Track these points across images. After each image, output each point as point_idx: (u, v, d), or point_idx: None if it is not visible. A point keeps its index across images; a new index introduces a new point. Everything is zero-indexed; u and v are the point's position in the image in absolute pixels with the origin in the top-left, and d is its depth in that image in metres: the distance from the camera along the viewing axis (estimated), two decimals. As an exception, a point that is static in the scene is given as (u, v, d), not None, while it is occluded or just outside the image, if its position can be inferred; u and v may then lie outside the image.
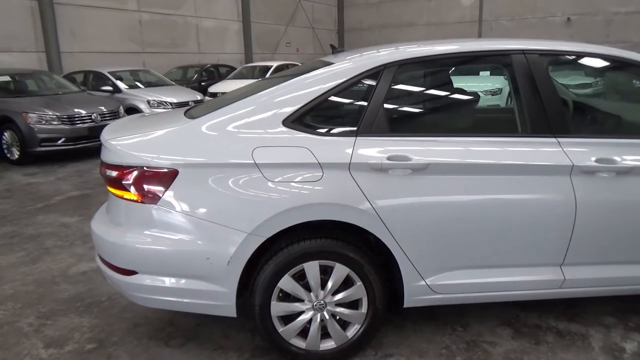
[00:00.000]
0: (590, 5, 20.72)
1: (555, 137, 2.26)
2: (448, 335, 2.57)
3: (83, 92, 9.35)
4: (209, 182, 2.11)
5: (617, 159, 2.25)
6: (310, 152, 2.14)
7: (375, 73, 2.28)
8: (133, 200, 2.16)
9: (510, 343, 2.49)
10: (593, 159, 2.24)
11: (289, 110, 2.21)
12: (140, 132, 2.25)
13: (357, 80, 2.28)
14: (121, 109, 8.65)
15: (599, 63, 2.60)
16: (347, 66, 2.30)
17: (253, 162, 2.11)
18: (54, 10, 12.63)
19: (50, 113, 7.55)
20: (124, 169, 2.15)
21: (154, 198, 2.12)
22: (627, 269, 2.38)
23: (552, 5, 21.48)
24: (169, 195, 2.12)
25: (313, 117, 2.25)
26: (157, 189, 2.12)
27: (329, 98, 2.25)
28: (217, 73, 15.18)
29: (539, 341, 2.49)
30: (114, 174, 2.18)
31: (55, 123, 7.54)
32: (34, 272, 3.55)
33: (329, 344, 2.32)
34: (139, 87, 10.77)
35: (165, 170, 2.11)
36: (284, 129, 2.18)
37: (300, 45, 23.31)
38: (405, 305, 2.34)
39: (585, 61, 2.55)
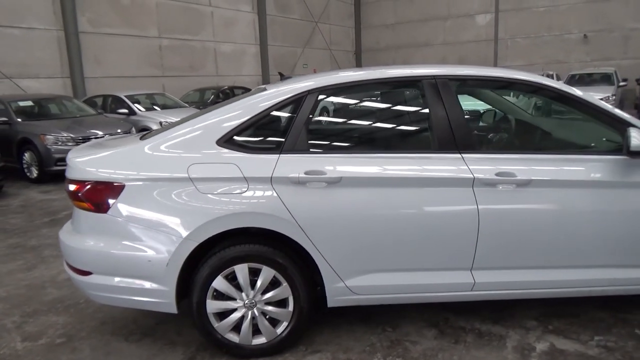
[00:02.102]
0: (606, 22, 20.63)
1: (460, 153, 2.52)
2: (377, 334, 2.81)
3: (100, 114, 9.98)
4: (150, 194, 2.45)
5: (517, 172, 2.48)
6: (238, 167, 2.46)
7: (299, 99, 2.60)
8: (88, 210, 2.52)
9: (431, 342, 2.70)
10: (494, 172, 2.48)
11: (221, 131, 2.54)
12: (96, 152, 2.61)
13: (282, 104, 2.60)
14: (133, 130, 9.19)
15: (506, 86, 2.84)
16: (274, 93, 2.63)
17: (188, 176, 2.44)
18: (79, 38, 13.49)
19: (66, 135, 8.13)
20: (81, 183, 2.51)
21: (105, 208, 2.47)
22: (532, 274, 2.59)
23: (569, 23, 21.48)
24: (117, 206, 2.46)
25: (243, 137, 2.57)
26: (107, 200, 2.47)
27: (258, 121, 2.58)
28: (232, 94, 15.77)
29: (458, 341, 2.70)
30: (73, 187, 2.54)
31: (70, 144, 8.10)
32: (27, 278, 3.95)
33: (260, 340, 2.60)
34: (154, 110, 11.36)
35: (114, 184, 2.46)
36: (217, 148, 2.51)
37: (318, 66, 23.88)
38: (329, 305, 2.61)
39: (493, 84, 2.80)
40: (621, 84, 15.03)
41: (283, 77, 3.64)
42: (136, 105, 11.09)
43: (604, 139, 2.69)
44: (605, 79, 14.94)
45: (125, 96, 11.15)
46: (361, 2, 26.53)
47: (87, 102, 11.20)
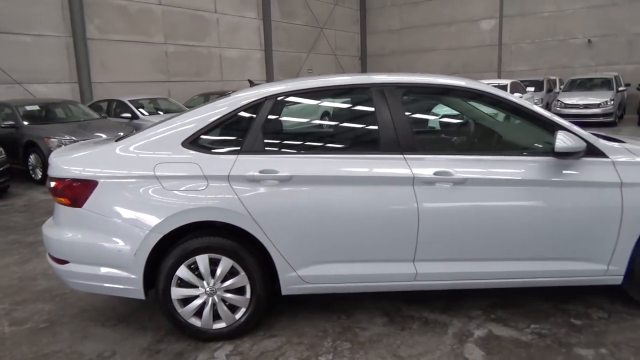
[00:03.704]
0: (611, 27, 20.63)
1: (402, 154, 2.75)
2: (332, 322, 3.03)
3: (104, 118, 10.34)
4: (121, 190, 2.72)
5: (453, 171, 2.70)
6: (199, 166, 2.71)
7: (257, 104, 2.85)
8: (66, 205, 2.79)
9: (379, 328, 2.92)
10: (432, 171, 2.70)
11: (186, 134, 2.80)
12: (74, 153, 2.88)
13: (243, 109, 2.85)
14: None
15: (449, 92, 3.06)
16: (235, 98, 2.88)
17: (154, 174, 2.70)
18: (86, 45, 13.92)
19: (68, 138, 8.47)
20: (59, 180, 2.79)
21: (80, 203, 2.74)
22: (470, 266, 2.80)
23: (573, 28, 21.51)
24: (91, 201, 2.73)
25: (205, 139, 2.82)
26: (82, 195, 2.73)
27: (220, 124, 2.83)
28: (235, 99, 16.09)
29: (404, 328, 2.92)
30: (53, 184, 2.82)
31: (73, 147, 8.43)
32: (21, 270, 4.25)
33: (221, 324, 2.84)
34: (157, 114, 11.71)
35: (88, 181, 2.73)
36: (181, 148, 2.77)
37: (323, 71, 24.16)
38: (283, 293, 2.85)
39: (437, 91, 3.03)
40: (621, 88, 15.09)
41: (252, 84, 3.85)
42: (140, 109, 11.45)
43: (540, 141, 2.89)
44: (605, 84, 15.01)
45: (129, 101, 11.52)
46: (367, 7, 26.80)
47: (92, 107, 11.60)
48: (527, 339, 2.73)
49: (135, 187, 2.71)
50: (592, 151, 2.76)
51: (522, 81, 16.07)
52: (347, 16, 25.73)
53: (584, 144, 2.69)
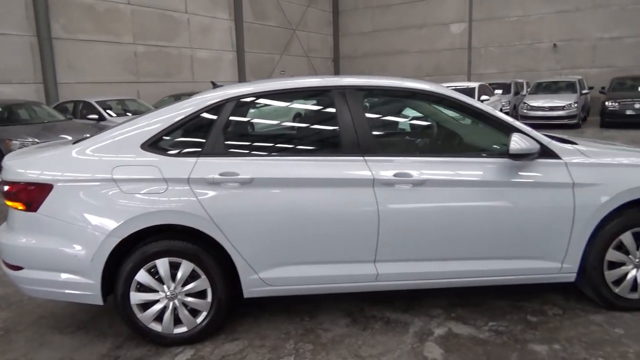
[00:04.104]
0: (575, 32, 21.26)
1: (363, 156, 2.77)
2: (295, 324, 3.04)
3: (69, 120, 10.09)
4: (77, 194, 2.66)
5: (412, 173, 2.74)
6: (159, 169, 2.68)
7: (219, 106, 2.83)
8: (20, 209, 2.71)
9: (342, 329, 2.94)
10: (391, 173, 2.74)
11: (146, 136, 2.77)
12: (29, 156, 2.81)
13: (204, 111, 2.83)
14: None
15: (408, 95, 3.11)
16: (196, 100, 2.86)
17: (111, 178, 2.66)
18: (52, 44, 13.55)
19: (31, 140, 8.24)
20: (13, 184, 2.71)
21: (35, 207, 2.67)
22: (430, 266, 2.84)
23: (539, 32, 22.07)
24: (46, 205, 2.66)
25: (165, 141, 2.80)
26: (36, 199, 2.67)
27: (180, 126, 2.81)
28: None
29: (366, 328, 2.95)
30: (6, 188, 2.74)
31: (36, 149, 8.20)
32: (-23, 277, 4.10)
33: (182, 329, 2.81)
34: (126, 116, 11.49)
35: (43, 185, 2.66)
36: (140, 151, 2.73)
37: (295, 73, 24.14)
38: (245, 296, 2.84)
39: (397, 94, 3.08)
40: (584, 91, 15.58)
41: (215, 86, 3.83)
42: (107, 111, 11.22)
43: (497, 143, 2.96)
44: (570, 87, 15.46)
45: (96, 102, 11.28)
46: (339, 9, 26.93)
47: (58, 108, 11.30)
48: (484, 336, 2.79)
49: (92, 190, 2.66)
50: (545, 153, 2.85)
51: (490, 84, 16.39)
52: (319, 18, 25.80)
53: (538, 145, 2.77)
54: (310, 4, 24.71)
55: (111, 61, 15.36)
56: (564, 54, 21.72)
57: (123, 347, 2.86)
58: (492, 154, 2.89)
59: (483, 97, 12.25)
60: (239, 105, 2.88)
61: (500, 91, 16.60)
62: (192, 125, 2.84)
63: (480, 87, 12.88)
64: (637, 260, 2.95)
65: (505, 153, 2.77)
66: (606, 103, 13.87)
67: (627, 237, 2.91)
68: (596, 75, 20.47)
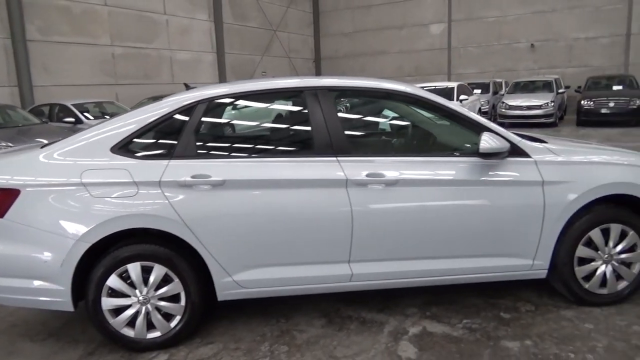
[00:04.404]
0: (552, 32, 21.62)
1: (336, 156, 2.78)
2: (270, 325, 3.03)
3: (45, 124, 9.91)
4: (45, 199, 2.61)
5: (385, 173, 2.76)
6: (129, 173, 2.65)
7: (190, 108, 2.81)
8: (-14, 215, 2.65)
9: (317, 330, 2.94)
10: (364, 173, 2.75)
11: (116, 139, 2.73)
12: (-5, 160, 2.75)
13: (174, 113, 2.80)
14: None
15: (380, 96, 3.13)
16: (167, 103, 2.83)
17: (80, 182, 2.62)
18: (26, 47, 13.30)
19: (5, 144, 8.06)
20: (-22, 189, 2.65)
21: (1, 213, 2.61)
22: (405, 265, 2.86)
23: (517, 33, 22.40)
24: (13, 210, 2.61)
25: (136, 144, 2.76)
26: (3, 205, 2.61)
27: (151, 129, 2.78)
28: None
29: (342, 328, 2.95)
30: (-28, 194, 2.67)
31: (10, 153, 8.04)
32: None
33: (155, 333, 2.78)
34: (104, 118, 11.33)
35: (10, 190, 2.61)
36: (110, 154, 2.70)
37: (277, 74, 24.08)
38: (219, 299, 2.82)
39: (370, 95, 3.09)
40: (560, 91, 15.86)
41: (187, 88, 3.83)
42: (85, 114, 11.04)
43: (469, 143, 2.99)
44: (547, 86, 15.71)
45: (73, 105, 11.09)
46: (320, 11, 26.95)
47: (33, 111, 11.08)
48: (458, 334, 2.82)
49: (61, 195, 2.61)
50: (516, 151, 2.89)
51: (469, 84, 16.58)
52: (300, 19, 25.79)
53: (508, 144, 2.81)
54: (291, 5, 24.69)
55: (88, 63, 15.14)
56: (541, 54, 22.08)
57: (95, 353, 2.81)
58: (464, 153, 2.92)
59: (462, 97, 12.37)
60: (211, 106, 2.86)
61: (479, 91, 16.82)
62: (164, 128, 2.81)
63: (459, 87, 13.01)
64: (606, 256, 3.01)
65: (476, 152, 2.80)
66: (582, 102, 14.13)
67: (596, 234, 2.97)
68: (573, 74, 20.85)
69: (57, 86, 14.13)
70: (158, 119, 2.78)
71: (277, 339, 2.87)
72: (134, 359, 2.73)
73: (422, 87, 13.23)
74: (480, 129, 2.88)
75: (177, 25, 18.28)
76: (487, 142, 2.72)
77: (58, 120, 10.88)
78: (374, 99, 3.19)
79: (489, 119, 15.91)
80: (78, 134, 2.82)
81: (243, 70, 21.95)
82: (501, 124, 14.88)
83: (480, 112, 14.86)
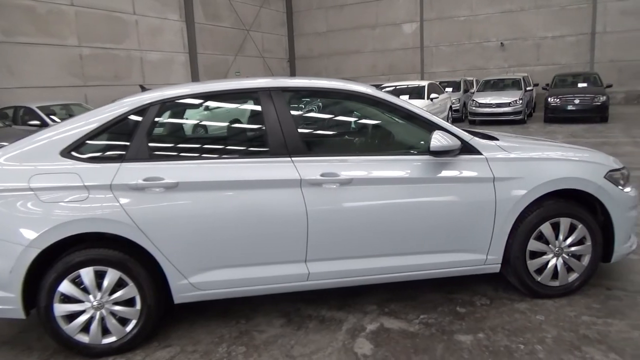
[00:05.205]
0: (521, 31, 22.08)
1: (290, 157, 2.79)
2: (230, 327, 3.02)
3: (8, 127, 9.67)
4: (-8, 204, 2.55)
5: (339, 172, 2.78)
6: (79, 176, 2.61)
7: (142, 110, 2.79)
8: None
9: (276, 330, 2.95)
10: (318, 173, 2.77)
11: (65, 143, 2.69)
12: (-60, 165, 2.68)
13: (126, 115, 2.78)
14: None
15: (333, 96, 3.16)
16: (118, 105, 2.80)
17: (28, 186, 2.57)
18: (-11, 48, 12.95)
19: (-35, 149, 7.83)
20: None
21: (-53, 219, 2.55)
22: (361, 263, 2.89)
23: (487, 32, 22.80)
24: (-41, 217, 2.54)
25: (87, 147, 2.72)
26: (-52, 211, 2.54)
27: (102, 132, 2.75)
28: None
29: (301, 327, 2.97)
30: None
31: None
32: None
33: (111, 339, 2.74)
34: (70, 121, 11.09)
35: (-45, 195, 2.54)
36: (60, 158, 2.66)
37: (251, 74, 23.98)
38: (175, 302, 2.80)
39: (324, 95, 3.12)
40: (529, 88, 16.21)
41: (143, 89, 3.79)
42: (51, 116, 10.79)
43: (423, 141, 3.03)
44: (515, 84, 16.03)
45: (38, 107, 10.82)
46: (293, 10, 26.92)
47: (-4, 115, 10.80)
48: (414, 330, 2.87)
49: (8, 200, 2.56)
50: (467, 149, 2.95)
51: (441, 82, 16.80)
52: (273, 18, 25.72)
53: (459, 142, 2.87)
54: (264, 5, 24.60)
55: (55, 64, 14.82)
56: (511, 52, 22.53)
57: (49, 361, 2.77)
58: (417, 152, 2.97)
59: (432, 95, 12.53)
60: (164, 108, 2.84)
61: (450, 89, 17.07)
62: (115, 130, 2.78)
63: (429, 85, 13.17)
64: (557, 249, 3.10)
65: (428, 150, 2.85)
66: (549, 99, 14.45)
67: (546, 228, 3.05)
68: (541, 72, 21.34)
69: (23, 88, 13.79)
70: (109, 121, 2.75)
71: (235, 340, 2.87)
72: (89, 365, 2.70)
73: (395, 86, 13.27)
74: (432, 127, 2.93)
75: (147, 25, 18.03)
76: (437, 140, 2.77)
77: (23, 123, 10.60)
78: (329, 99, 3.22)
79: (460, 117, 16.15)
80: (27, 138, 2.77)
81: (216, 70, 21.78)
82: (472, 122, 15.14)
83: (452, 110, 15.10)
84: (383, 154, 2.96)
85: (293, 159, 2.79)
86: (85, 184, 2.60)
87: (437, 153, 2.82)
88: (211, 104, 3.03)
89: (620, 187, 3.14)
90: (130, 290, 2.70)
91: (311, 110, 3.29)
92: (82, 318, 2.68)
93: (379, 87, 13.74)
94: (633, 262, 3.67)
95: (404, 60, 24.78)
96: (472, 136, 3.03)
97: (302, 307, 3.22)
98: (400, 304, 3.20)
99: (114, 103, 2.82)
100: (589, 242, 3.12)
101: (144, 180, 2.64)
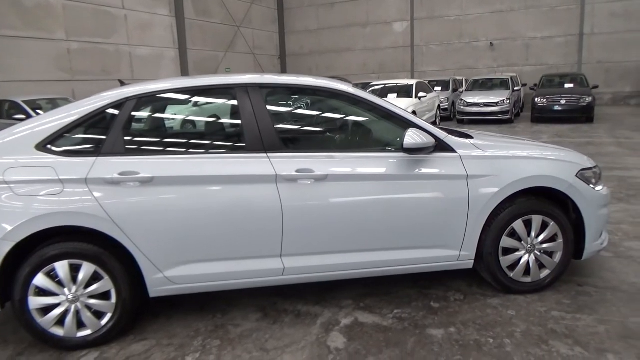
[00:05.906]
0: (510, 31, 22.23)
1: (266, 153, 2.82)
2: (206, 321, 3.05)
3: (-7, 121, 9.58)
4: (-33, 198, 2.56)
5: (315, 168, 2.82)
6: (54, 170, 2.62)
7: (118, 105, 2.80)
8: None
9: (252, 324, 2.99)
10: (294, 169, 2.80)
11: (41, 136, 2.70)
12: None
13: (102, 110, 2.79)
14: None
15: (310, 93, 3.19)
16: (94, 99, 2.81)
17: (3, 180, 2.57)
18: (-25, 41, 12.80)
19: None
20: None
21: None
22: (336, 258, 2.93)
23: (477, 32, 22.93)
24: None
25: (62, 141, 2.73)
26: None
27: (77, 126, 2.76)
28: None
29: (276, 321, 3.00)
30: None
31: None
32: None
33: (86, 332, 2.76)
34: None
35: None
36: (35, 152, 2.66)
37: (241, 70, 23.92)
38: (151, 296, 2.82)
39: (303, 92, 3.15)
40: (516, 88, 16.36)
41: (122, 84, 3.82)
42: (37, 111, 10.71)
43: (398, 139, 3.07)
44: (503, 84, 16.16)
45: (24, 101, 10.76)
46: (284, 7, 26.88)
47: (-19, 109, 10.70)
48: (387, 324, 2.91)
49: (-17, 194, 2.56)
50: (442, 147, 3.00)
51: (430, 81, 16.90)
52: (264, 15, 25.66)
53: (433, 140, 2.91)
54: (255, 1, 24.54)
55: (43, 59, 14.68)
56: (500, 52, 22.68)
57: (25, 353, 2.78)
58: (392, 149, 3.01)
59: (420, 94, 12.60)
60: (140, 103, 2.85)
61: (439, 88, 17.17)
62: (91, 125, 2.79)
63: (417, 84, 13.24)
64: (529, 246, 3.16)
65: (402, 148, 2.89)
66: (536, 99, 14.59)
67: (518, 225, 3.11)
68: (530, 72, 21.52)
69: (10, 82, 13.65)
70: (85, 115, 2.76)
71: (210, 333, 2.90)
72: (64, 358, 2.71)
73: (384, 84, 13.30)
74: (407, 125, 2.97)
75: (136, 20, 17.92)
76: (411, 137, 2.81)
77: (8, 117, 10.53)
78: (306, 96, 3.24)
79: (449, 116, 16.22)
80: (5, 131, 2.77)
81: (206, 66, 21.70)
82: (460, 121, 15.22)
83: (440, 109, 15.21)
84: (359, 150, 2.99)
85: (269, 154, 2.82)
86: (60, 177, 2.61)
87: (411, 150, 2.86)
88: (189, 99, 3.04)
89: (591, 186, 3.20)
90: (105, 283, 2.72)
91: (299, 108, 3.31)
92: (57, 311, 2.69)
93: (367, 85, 13.83)
94: (604, 259, 3.74)
95: (395, 59, 24.84)
96: (447, 134, 3.07)
97: (278, 302, 3.26)
98: (376, 299, 3.25)
99: (93, 97, 2.83)
100: (560, 240, 3.18)
101: (119, 174, 2.65)
